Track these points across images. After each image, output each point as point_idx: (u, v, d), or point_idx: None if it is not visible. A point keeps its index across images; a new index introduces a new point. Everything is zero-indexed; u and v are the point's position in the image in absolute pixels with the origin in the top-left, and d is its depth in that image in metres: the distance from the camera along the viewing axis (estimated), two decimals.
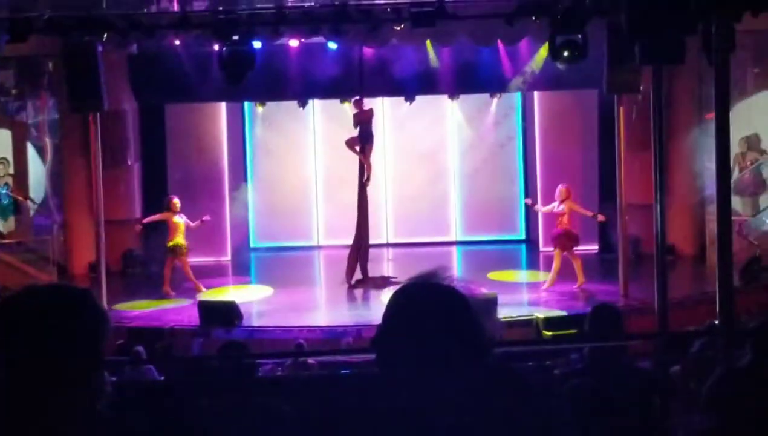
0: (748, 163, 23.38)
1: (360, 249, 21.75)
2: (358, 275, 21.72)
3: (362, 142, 21.65)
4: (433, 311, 2.96)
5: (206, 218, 21.48)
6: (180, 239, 21.12)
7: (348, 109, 23.10)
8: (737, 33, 13.79)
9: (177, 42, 19.99)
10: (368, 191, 21.95)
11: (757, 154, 23.44)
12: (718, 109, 11.92)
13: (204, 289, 21.26)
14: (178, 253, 21.11)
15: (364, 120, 21.67)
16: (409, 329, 2.95)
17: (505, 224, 23.25)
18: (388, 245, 25.30)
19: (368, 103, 22.12)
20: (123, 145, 24.13)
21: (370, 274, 21.84)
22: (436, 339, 2.91)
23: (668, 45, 15.82)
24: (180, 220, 21.18)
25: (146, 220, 21.71)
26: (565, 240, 20.55)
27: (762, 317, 7.74)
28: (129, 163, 24.37)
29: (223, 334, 17.84)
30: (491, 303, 17.81)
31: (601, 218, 20.83)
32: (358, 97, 21.82)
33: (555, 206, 20.64)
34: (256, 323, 19.00)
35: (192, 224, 21.30)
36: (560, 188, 20.78)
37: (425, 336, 2.92)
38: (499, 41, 21.12)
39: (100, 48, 18.94)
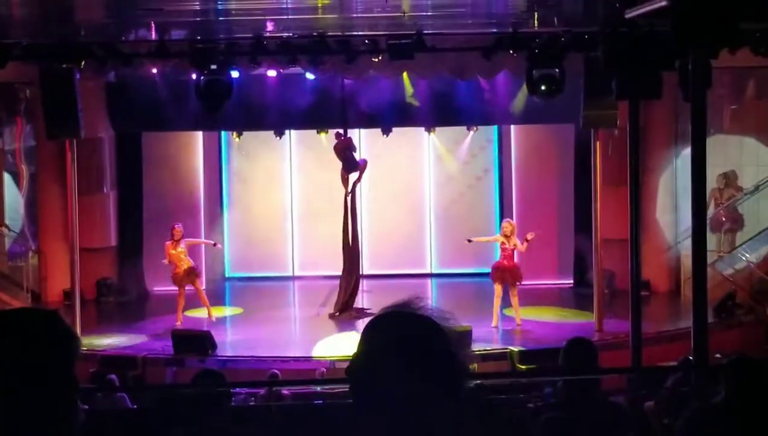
0: (725, 199, 23.47)
1: (354, 280, 21.75)
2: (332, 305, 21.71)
3: (347, 171, 21.69)
4: (409, 341, 2.90)
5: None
6: (189, 263, 21.04)
7: (324, 139, 23.13)
8: (714, 69, 13.88)
9: (154, 70, 19.96)
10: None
11: (735, 190, 23.54)
12: (695, 145, 11.95)
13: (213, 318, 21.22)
14: (192, 276, 20.98)
15: (339, 149, 21.69)
16: (383, 358, 2.90)
17: (480, 257, 23.21)
18: (363, 277, 25.21)
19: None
20: (99, 173, 24.05)
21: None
22: (410, 370, 2.86)
23: (645, 80, 15.93)
24: (182, 247, 21.12)
25: (165, 261, 21.48)
26: (509, 275, 20.43)
27: (736, 353, 7.75)
28: (105, 190, 24.28)
29: (197, 363, 17.76)
30: (465, 335, 17.83)
31: (529, 236, 20.59)
32: (337, 131, 21.85)
33: (499, 239, 20.63)
34: (230, 352, 18.92)
35: (197, 241, 21.35)
36: (510, 223, 20.76)
37: (400, 366, 2.86)
38: (476, 74, 21.17)
39: (77, 75, 18.90)
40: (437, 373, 2.88)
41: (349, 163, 21.78)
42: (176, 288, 21.27)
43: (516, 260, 20.63)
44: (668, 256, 23.81)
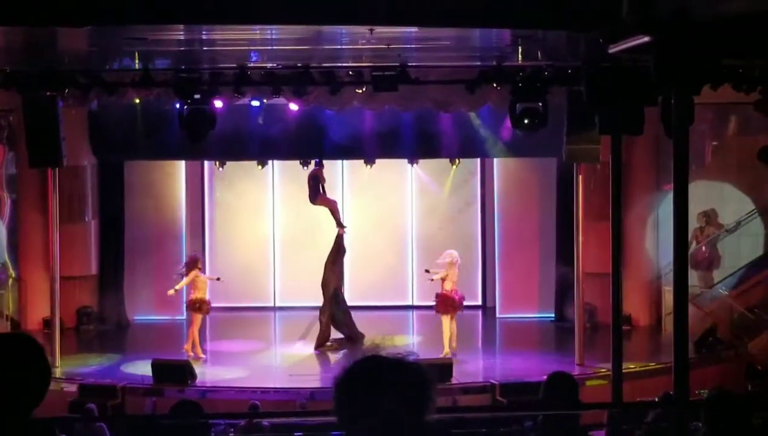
0: (705, 237, 23.53)
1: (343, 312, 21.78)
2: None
3: (310, 199, 21.81)
4: (390, 386, 3.21)
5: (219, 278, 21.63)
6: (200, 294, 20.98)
7: (307, 170, 23.13)
8: (696, 105, 13.92)
9: (137, 99, 19.96)
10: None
11: (715, 228, 23.61)
12: (677, 181, 11.97)
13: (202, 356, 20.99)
14: (203, 308, 20.95)
15: (309, 176, 21.76)
16: (365, 404, 3.21)
17: (462, 290, 23.17)
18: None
19: (328, 164, 22.29)
20: (81, 201, 23.98)
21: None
22: (382, 394, 3.17)
23: (627, 115, 15.96)
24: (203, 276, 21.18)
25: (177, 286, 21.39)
26: (450, 305, 20.47)
27: (716, 389, 7.74)
28: (86, 219, 24.21)
29: (177, 393, 17.68)
30: (446, 368, 17.82)
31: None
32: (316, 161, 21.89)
33: (445, 273, 20.63)
34: (210, 382, 18.84)
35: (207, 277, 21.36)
36: (455, 254, 20.78)
37: (374, 392, 3.20)
38: (460, 107, 21.21)
39: (60, 103, 18.89)
40: (413, 413, 3.16)
41: (311, 192, 21.83)
42: (154, 317, 21.15)
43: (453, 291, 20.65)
44: (650, 290, 23.84)
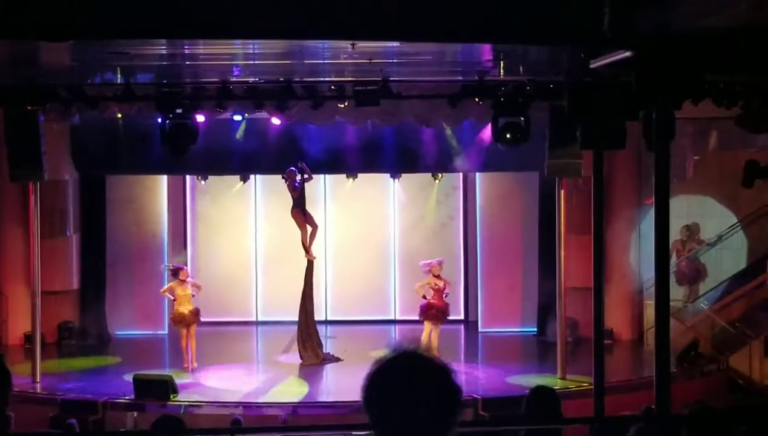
0: (687, 251, 23.59)
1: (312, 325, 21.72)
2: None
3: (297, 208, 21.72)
4: (420, 374, 3.22)
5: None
6: (192, 305, 21.04)
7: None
8: (677, 120, 13.96)
9: (119, 114, 19.92)
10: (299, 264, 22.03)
11: (697, 242, 23.68)
12: (658, 195, 12.01)
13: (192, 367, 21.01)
14: (197, 318, 21.00)
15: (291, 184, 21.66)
16: (395, 389, 3.17)
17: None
18: (327, 323, 25.18)
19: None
20: (62, 216, 23.90)
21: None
22: (419, 399, 3.17)
23: (609, 130, 16.01)
24: (189, 289, 21.18)
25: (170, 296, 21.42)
26: (438, 313, 20.83)
27: (698, 403, 7.75)
28: (68, 233, 24.12)
29: (158, 408, 17.62)
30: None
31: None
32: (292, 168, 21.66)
33: (430, 281, 20.94)
34: (191, 397, 18.78)
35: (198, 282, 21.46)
36: (438, 264, 21.02)
37: (411, 395, 3.16)
38: (442, 122, 21.25)
39: (41, 118, 18.84)
40: (441, 403, 3.21)
41: (298, 202, 21.71)
42: (135, 332, 21.11)
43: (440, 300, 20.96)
44: (632, 305, 23.89)
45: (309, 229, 21.76)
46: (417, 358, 3.23)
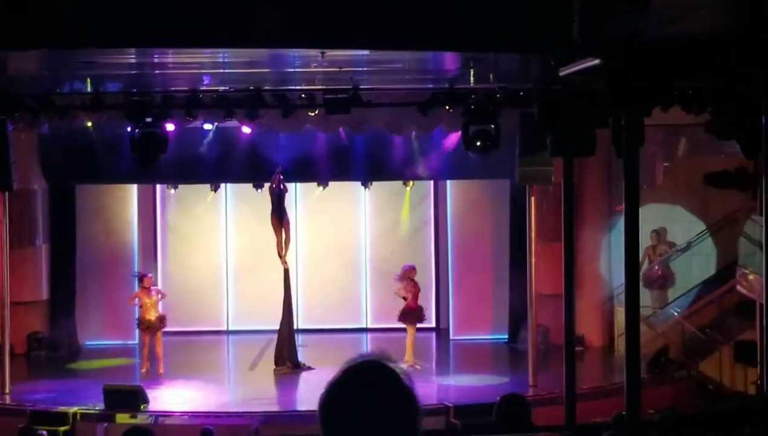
0: (658, 255, 23.67)
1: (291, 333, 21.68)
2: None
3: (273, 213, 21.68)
4: (377, 384, 3.10)
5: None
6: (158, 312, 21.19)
7: (261, 193, 23.02)
8: (647, 127, 14.03)
9: (89, 123, 19.83)
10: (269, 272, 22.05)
11: (666, 247, 23.76)
12: (628, 201, 12.06)
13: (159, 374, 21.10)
14: (162, 324, 21.20)
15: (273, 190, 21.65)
16: (353, 400, 3.08)
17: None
18: (298, 331, 25.12)
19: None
20: (31, 226, 23.75)
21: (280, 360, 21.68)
22: (377, 409, 3.06)
23: (579, 137, 16.08)
24: (155, 296, 21.34)
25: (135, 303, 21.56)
26: (413, 316, 21.46)
27: (668, 409, 7.78)
28: (37, 243, 23.99)
29: (128, 418, 17.54)
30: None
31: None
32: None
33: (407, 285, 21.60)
34: (162, 407, 18.70)
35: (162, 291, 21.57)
36: (413, 268, 21.71)
37: (368, 406, 3.06)
38: (413, 129, 21.26)
39: (10, 127, 18.74)
40: (401, 415, 3.08)
41: (276, 208, 21.70)
42: (106, 341, 21.06)
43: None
44: (602, 311, 23.95)
45: (284, 236, 21.73)
46: (374, 368, 3.15)
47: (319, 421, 3.10)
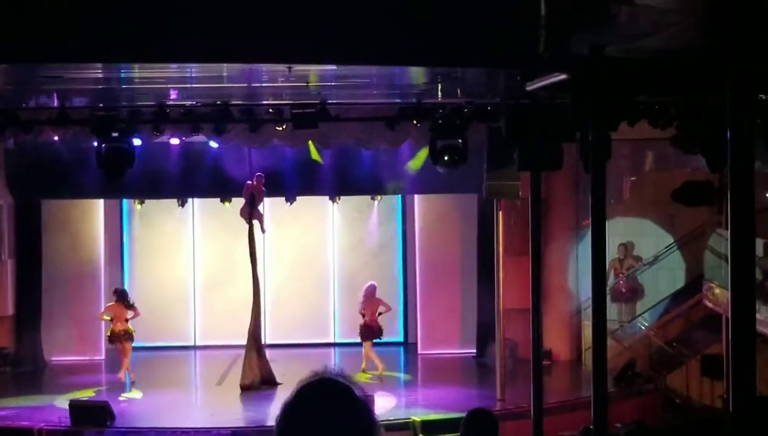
0: (625, 269, 23.76)
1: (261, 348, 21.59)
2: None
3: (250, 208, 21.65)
4: (332, 403, 3.08)
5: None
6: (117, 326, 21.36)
7: (228, 207, 22.99)
8: (614, 141, 14.08)
9: (56, 137, 19.72)
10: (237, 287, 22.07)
11: (634, 261, 23.85)
12: (595, 215, 12.09)
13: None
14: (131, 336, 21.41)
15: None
16: (309, 419, 3.06)
17: (383, 325, 23.21)
18: (266, 346, 25.06)
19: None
20: None
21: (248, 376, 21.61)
22: (333, 427, 3.04)
23: (546, 152, 16.12)
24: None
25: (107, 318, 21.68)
26: (370, 333, 22.15)
27: (635, 423, 7.80)
28: (2, 258, 23.85)
29: (95, 435, 17.45)
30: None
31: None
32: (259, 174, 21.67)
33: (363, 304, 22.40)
34: (129, 423, 18.60)
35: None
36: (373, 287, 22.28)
37: (324, 425, 3.04)
38: (380, 144, 21.26)
39: None
40: (356, 431, 3.07)
41: (247, 205, 21.70)
42: (72, 357, 21.00)
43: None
44: (570, 325, 24.01)
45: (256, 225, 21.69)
46: (327, 385, 3.15)
47: None
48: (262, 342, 21.75)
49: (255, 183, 21.42)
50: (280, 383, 21.18)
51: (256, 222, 21.53)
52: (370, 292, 22.21)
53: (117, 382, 21.17)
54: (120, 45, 10.44)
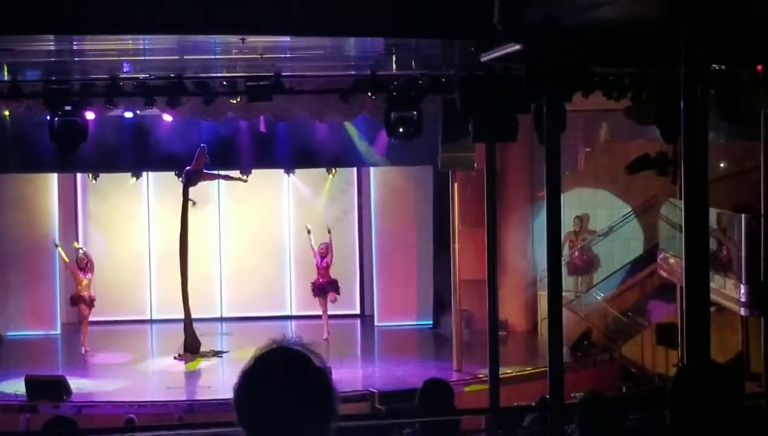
0: (581, 241, 23.89)
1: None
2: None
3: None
4: (288, 371, 3.09)
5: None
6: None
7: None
8: (568, 112, 14.11)
9: (6, 111, 19.54)
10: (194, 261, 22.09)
11: (589, 234, 23.98)
12: (550, 187, 12.11)
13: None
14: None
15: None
16: (266, 388, 3.07)
17: (341, 299, 23.26)
18: (222, 319, 25.04)
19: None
20: None
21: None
22: (290, 395, 3.04)
23: (501, 123, 16.14)
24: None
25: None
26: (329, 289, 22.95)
27: (590, 392, 7.84)
28: None
29: (51, 409, 17.37)
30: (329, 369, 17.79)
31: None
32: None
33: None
34: (85, 397, 18.54)
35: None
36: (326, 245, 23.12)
37: (281, 393, 3.04)
38: (335, 116, 21.20)
39: None
40: (314, 398, 3.08)
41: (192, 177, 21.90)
42: (27, 332, 20.97)
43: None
44: (526, 296, 24.12)
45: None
46: (284, 353, 3.16)
47: (235, 409, 3.08)
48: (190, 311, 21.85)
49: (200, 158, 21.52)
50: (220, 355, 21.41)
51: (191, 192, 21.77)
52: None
53: (75, 356, 21.05)
54: (72, 16, 10.36)
